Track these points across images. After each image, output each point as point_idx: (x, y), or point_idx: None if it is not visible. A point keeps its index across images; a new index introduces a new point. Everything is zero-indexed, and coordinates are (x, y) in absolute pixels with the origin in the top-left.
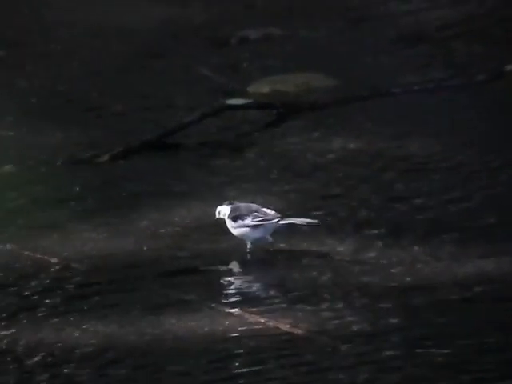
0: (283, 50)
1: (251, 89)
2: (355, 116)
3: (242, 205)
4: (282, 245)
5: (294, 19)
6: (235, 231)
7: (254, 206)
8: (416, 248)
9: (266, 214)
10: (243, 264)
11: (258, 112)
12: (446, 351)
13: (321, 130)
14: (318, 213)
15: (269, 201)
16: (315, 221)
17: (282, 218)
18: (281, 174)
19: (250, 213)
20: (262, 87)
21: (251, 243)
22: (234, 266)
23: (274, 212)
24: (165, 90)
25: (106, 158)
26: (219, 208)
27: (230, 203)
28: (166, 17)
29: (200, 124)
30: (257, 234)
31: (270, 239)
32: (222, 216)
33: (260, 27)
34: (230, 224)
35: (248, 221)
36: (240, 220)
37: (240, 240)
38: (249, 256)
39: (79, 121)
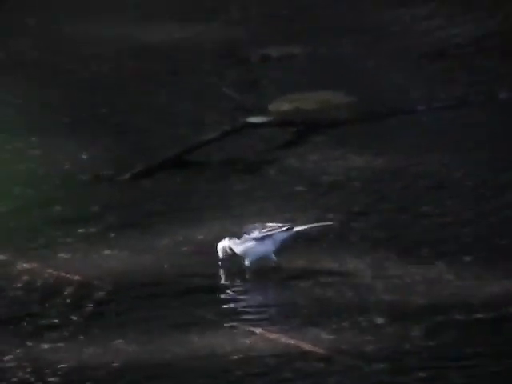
0: (304, 67)
1: (272, 107)
2: (376, 133)
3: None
4: (300, 262)
5: (314, 37)
6: (240, 248)
7: (257, 224)
8: (439, 266)
9: (272, 226)
10: (264, 283)
11: (279, 130)
12: (471, 373)
13: (341, 147)
14: (338, 231)
15: (288, 218)
16: (328, 223)
17: (292, 227)
18: (301, 192)
19: (254, 228)
20: (283, 105)
21: (250, 261)
22: (256, 285)
23: (280, 224)
24: (186, 108)
25: (127, 176)
26: (223, 244)
27: (232, 238)
28: (187, 34)
29: (221, 142)
30: (263, 247)
31: (274, 258)
32: (228, 251)
33: (281, 45)
34: (233, 242)
35: (255, 234)
36: (245, 234)
37: (240, 258)
38: (248, 275)
39: (101, 138)
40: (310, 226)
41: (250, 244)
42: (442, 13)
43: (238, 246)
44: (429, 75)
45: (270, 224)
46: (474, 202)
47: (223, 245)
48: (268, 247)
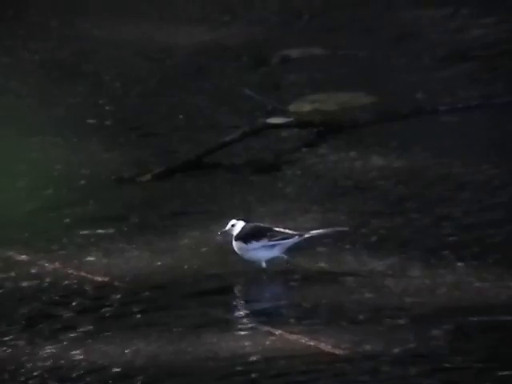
0: (324, 68)
1: (292, 107)
2: (397, 134)
3: (251, 225)
4: (322, 264)
5: (335, 38)
6: (248, 253)
7: (264, 226)
8: (460, 268)
9: (281, 233)
10: (283, 284)
11: (299, 131)
12: (493, 375)
13: (362, 148)
14: (358, 231)
15: (308, 220)
16: (340, 228)
17: (302, 234)
18: (321, 193)
19: (263, 233)
20: (303, 106)
21: (265, 262)
22: (274, 286)
23: (287, 230)
24: (206, 110)
25: (148, 177)
26: (234, 222)
27: (245, 220)
28: (207, 37)
29: (241, 143)
30: (272, 253)
31: (285, 256)
32: (231, 230)
33: (301, 46)
34: (238, 245)
35: (264, 241)
36: (254, 241)
37: (252, 262)
38: (266, 276)
39: (122, 140)
40: (318, 231)
41: (258, 251)
42: (464, 14)
43: (245, 252)
44: (451, 76)
45: (276, 229)
46: (497, 204)
47: (234, 223)
48: (276, 253)
